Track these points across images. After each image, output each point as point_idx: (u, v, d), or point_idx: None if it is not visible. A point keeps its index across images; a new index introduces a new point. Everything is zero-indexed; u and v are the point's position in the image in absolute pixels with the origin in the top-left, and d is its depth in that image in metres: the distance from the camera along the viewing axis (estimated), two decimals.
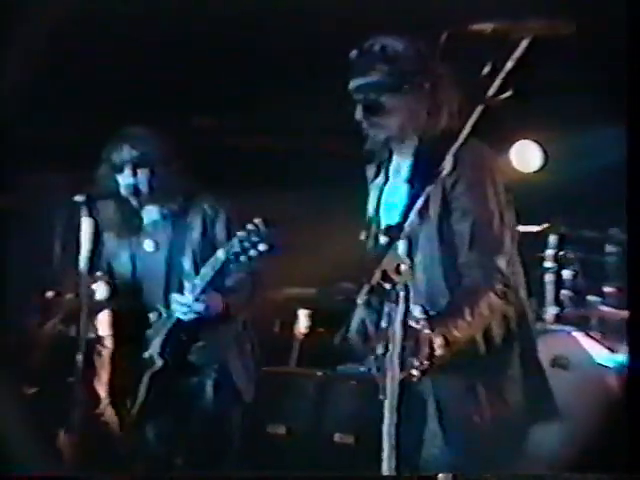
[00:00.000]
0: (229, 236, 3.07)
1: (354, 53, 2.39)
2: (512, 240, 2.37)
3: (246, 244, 2.85)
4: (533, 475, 2.34)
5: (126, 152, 3.10)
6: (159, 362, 3.07)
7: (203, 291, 2.97)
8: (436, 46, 2.18)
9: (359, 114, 2.41)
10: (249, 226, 2.86)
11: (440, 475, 2.14)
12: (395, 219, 1.91)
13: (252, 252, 2.85)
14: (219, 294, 3.03)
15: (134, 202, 3.16)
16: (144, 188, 3.11)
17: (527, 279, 2.47)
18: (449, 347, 2.17)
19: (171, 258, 3.15)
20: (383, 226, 2.43)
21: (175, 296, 3.03)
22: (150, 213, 3.22)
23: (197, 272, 3.06)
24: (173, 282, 3.12)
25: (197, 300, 2.98)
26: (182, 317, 3.02)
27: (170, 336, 3.06)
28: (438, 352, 2.14)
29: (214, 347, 3.13)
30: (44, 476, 2.00)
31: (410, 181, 2.43)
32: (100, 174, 3.15)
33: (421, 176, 2.32)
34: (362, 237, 2.55)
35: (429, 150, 2.31)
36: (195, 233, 3.15)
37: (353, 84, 2.40)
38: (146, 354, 3.10)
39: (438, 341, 2.15)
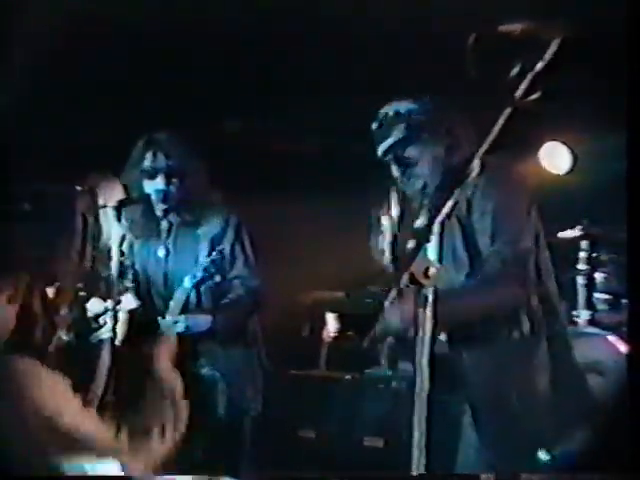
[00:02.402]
0: (232, 251, 3.16)
1: (374, 125, 2.63)
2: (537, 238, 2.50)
3: (206, 274, 3.07)
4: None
5: (161, 160, 3.11)
6: None
7: (181, 313, 3.07)
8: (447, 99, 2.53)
9: (395, 172, 2.62)
10: (214, 254, 3.06)
11: (482, 476, 2.14)
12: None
13: (210, 282, 3.08)
14: (206, 314, 3.10)
15: (158, 210, 3.17)
16: (173, 197, 3.13)
17: (558, 281, 2.52)
18: None
19: (175, 270, 3.18)
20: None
21: (159, 319, 3.10)
22: (164, 221, 3.23)
23: (198, 288, 3.14)
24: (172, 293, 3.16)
25: (176, 322, 3.05)
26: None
27: None
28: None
29: (220, 360, 3.16)
30: (44, 476, 2.01)
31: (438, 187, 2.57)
32: (128, 179, 3.14)
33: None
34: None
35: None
36: (202, 247, 3.17)
37: (380, 149, 2.64)
38: None
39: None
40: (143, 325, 3.16)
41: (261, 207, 3.55)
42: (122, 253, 3.05)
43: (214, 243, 3.17)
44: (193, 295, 3.13)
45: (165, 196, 3.13)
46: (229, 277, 3.15)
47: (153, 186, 3.13)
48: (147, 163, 3.13)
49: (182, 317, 3.07)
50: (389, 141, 2.61)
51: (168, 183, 3.12)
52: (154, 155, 3.12)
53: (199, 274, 3.06)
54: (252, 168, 4.81)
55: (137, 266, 3.26)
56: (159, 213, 3.20)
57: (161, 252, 3.22)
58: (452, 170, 2.54)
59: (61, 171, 3.90)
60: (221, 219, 3.19)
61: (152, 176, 3.12)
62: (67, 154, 4.22)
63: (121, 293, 3.06)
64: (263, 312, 3.27)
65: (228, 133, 5.08)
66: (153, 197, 3.14)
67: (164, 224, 3.23)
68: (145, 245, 3.25)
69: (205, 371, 3.13)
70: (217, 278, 3.08)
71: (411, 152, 2.60)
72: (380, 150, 2.65)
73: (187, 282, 3.08)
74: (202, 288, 3.14)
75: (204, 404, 3.11)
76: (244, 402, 3.17)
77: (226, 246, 3.16)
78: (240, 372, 3.18)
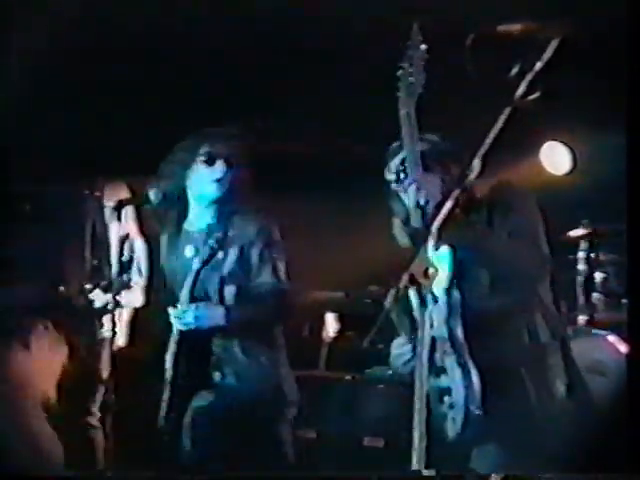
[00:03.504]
0: (261, 256, 3.01)
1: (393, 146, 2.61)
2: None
3: (211, 252, 2.88)
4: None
5: (220, 148, 3.04)
6: (170, 372, 2.94)
7: (191, 301, 2.91)
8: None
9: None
10: (216, 234, 2.89)
11: (493, 475, 2.15)
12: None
13: (213, 261, 2.88)
14: (218, 306, 2.96)
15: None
16: (226, 185, 3.02)
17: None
18: None
19: (203, 270, 3.00)
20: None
21: (169, 309, 2.96)
22: (196, 219, 3.11)
23: (222, 289, 3.00)
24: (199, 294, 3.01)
25: (185, 312, 2.91)
26: (181, 328, 2.94)
27: (179, 349, 2.96)
28: None
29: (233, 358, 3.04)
30: (44, 476, 2.00)
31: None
32: (168, 171, 3.06)
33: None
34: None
35: None
36: (233, 251, 3.01)
37: (397, 159, 2.59)
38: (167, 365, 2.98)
39: None
40: (151, 319, 3.11)
41: (260, 207, 3.53)
42: (121, 251, 3.03)
43: (244, 250, 3.01)
44: (216, 297, 2.99)
45: (220, 184, 3.00)
46: (256, 282, 3.01)
47: (212, 173, 3.01)
48: (204, 150, 3.03)
49: (192, 306, 2.91)
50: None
51: (229, 167, 3.01)
52: (212, 143, 3.04)
53: (206, 253, 2.89)
54: (252, 168, 4.81)
55: (162, 264, 3.15)
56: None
57: (189, 252, 3.08)
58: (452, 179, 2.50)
59: (61, 171, 3.91)
60: (252, 224, 3.06)
61: (211, 162, 3.02)
62: (67, 154, 4.22)
63: (121, 291, 3.04)
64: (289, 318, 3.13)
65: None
66: (209, 186, 3.01)
67: (197, 225, 3.10)
68: (172, 243, 3.13)
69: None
70: (219, 255, 2.90)
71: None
72: (398, 159, 2.59)
73: (196, 264, 2.90)
74: (225, 291, 2.99)
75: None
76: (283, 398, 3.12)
77: (255, 251, 3.02)
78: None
